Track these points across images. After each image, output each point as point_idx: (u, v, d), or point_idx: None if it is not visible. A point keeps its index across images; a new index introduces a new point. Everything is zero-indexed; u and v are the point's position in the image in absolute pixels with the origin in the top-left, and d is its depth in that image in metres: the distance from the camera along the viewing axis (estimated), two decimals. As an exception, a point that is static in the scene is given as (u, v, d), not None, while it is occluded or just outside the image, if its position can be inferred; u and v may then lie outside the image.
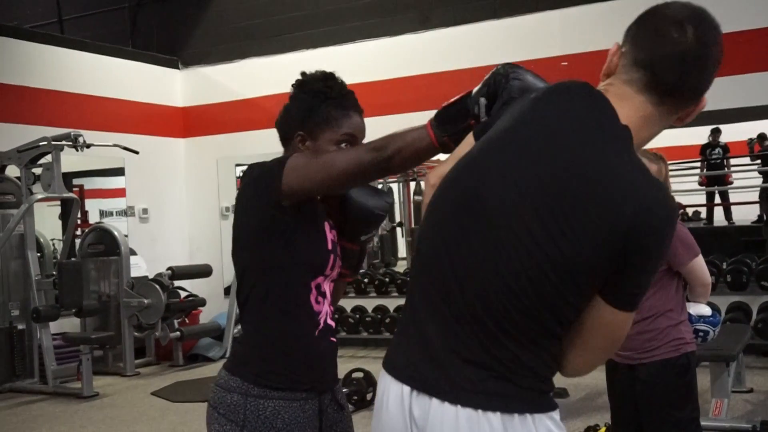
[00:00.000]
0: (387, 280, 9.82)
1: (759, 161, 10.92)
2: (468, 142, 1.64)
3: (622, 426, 3.63)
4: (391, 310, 9.11)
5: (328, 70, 2.16)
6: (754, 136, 10.62)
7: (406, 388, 1.55)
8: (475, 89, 1.72)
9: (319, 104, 2.09)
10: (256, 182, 1.99)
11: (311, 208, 2.00)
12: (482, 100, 1.68)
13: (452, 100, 1.76)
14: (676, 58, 1.52)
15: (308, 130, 2.09)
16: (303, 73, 2.17)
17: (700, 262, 3.36)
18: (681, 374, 3.39)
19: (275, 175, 1.90)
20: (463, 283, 1.50)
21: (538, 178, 1.45)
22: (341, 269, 2.16)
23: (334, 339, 2.14)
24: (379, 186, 11.57)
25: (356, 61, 9.46)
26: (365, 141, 2.08)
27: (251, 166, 2.05)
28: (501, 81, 1.67)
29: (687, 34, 1.51)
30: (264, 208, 1.97)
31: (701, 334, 3.44)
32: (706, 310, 3.45)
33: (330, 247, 2.04)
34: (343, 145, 2.07)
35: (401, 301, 9.03)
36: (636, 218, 1.40)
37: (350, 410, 2.33)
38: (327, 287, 2.10)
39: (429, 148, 1.80)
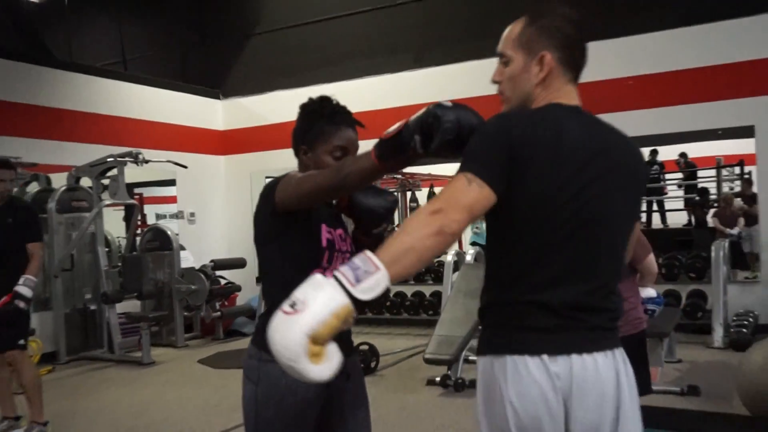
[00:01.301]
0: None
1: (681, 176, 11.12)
2: None
3: None
4: (427, 294, 9.09)
5: (340, 100, 2.17)
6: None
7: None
8: (411, 121, 1.63)
9: (314, 122, 2.11)
10: (262, 197, 2.03)
11: (305, 215, 2.00)
12: (417, 137, 1.62)
13: (390, 133, 1.65)
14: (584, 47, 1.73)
15: (308, 144, 2.11)
16: (309, 99, 2.18)
17: (652, 257, 3.45)
18: (640, 346, 3.47)
19: (271, 192, 1.96)
20: None
21: None
22: None
23: None
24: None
25: (364, 93, 9.47)
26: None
27: (265, 184, 2.09)
28: (434, 123, 1.58)
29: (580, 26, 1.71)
30: (265, 216, 2.02)
31: (650, 311, 3.56)
32: (653, 293, 3.56)
33: (324, 244, 2.02)
34: (337, 154, 2.05)
35: (435, 288, 9.08)
36: None
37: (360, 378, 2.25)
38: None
39: (375, 172, 1.77)
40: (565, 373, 1.54)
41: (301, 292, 1.39)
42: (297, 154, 2.17)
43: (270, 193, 1.97)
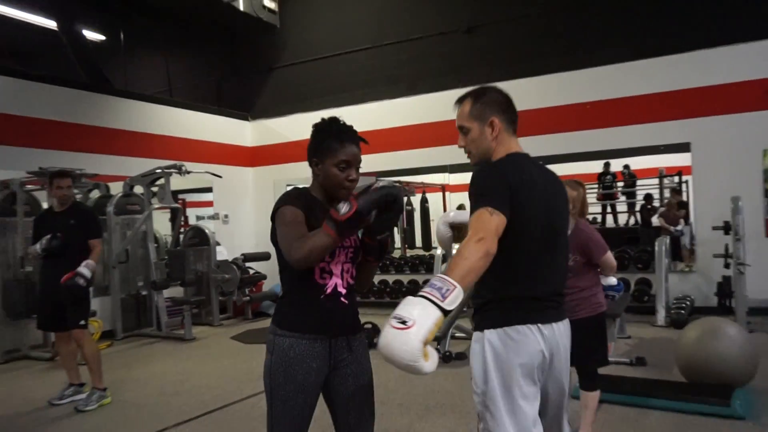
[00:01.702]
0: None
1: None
2: None
3: None
4: (420, 282, 8.95)
5: (347, 121, 2.19)
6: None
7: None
8: (366, 201, 1.85)
9: (324, 138, 2.11)
10: (271, 218, 2.11)
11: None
12: (374, 212, 1.90)
13: (347, 214, 1.84)
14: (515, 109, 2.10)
15: (318, 157, 2.12)
16: (321, 119, 2.19)
17: (609, 255, 3.44)
18: (599, 326, 3.47)
19: (273, 218, 2.08)
20: None
21: None
22: (367, 257, 2.16)
23: (345, 301, 2.12)
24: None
25: (367, 116, 9.50)
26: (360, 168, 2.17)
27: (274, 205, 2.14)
28: (391, 201, 1.89)
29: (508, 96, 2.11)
30: (273, 232, 2.10)
31: (611, 297, 3.59)
32: (614, 281, 3.58)
33: None
34: (342, 166, 2.08)
35: (427, 276, 9.13)
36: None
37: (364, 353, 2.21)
38: (336, 269, 2.10)
39: (334, 245, 1.93)
40: (550, 335, 1.96)
41: (405, 311, 1.63)
42: (310, 164, 2.17)
43: (274, 210, 2.09)
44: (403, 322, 1.61)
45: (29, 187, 7.12)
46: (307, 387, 2.05)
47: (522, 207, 1.87)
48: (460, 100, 2.16)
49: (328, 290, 2.08)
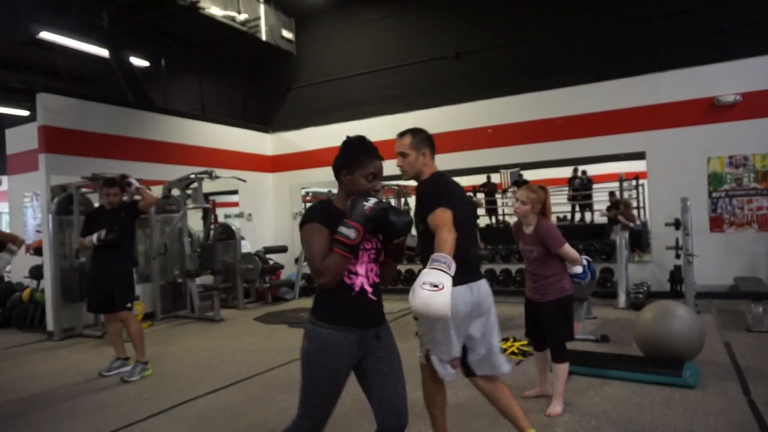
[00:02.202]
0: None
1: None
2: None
3: (532, 336, 3.68)
4: (415, 271, 9.05)
5: (353, 134, 2.19)
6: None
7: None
8: (366, 225, 1.97)
9: (355, 153, 2.10)
10: (301, 222, 2.12)
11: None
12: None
13: (359, 240, 1.97)
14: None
15: (348, 169, 2.10)
16: (347, 136, 2.17)
17: (567, 247, 3.40)
18: (564, 307, 3.45)
19: (303, 222, 2.10)
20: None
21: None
22: (386, 258, 2.18)
23: (373, 297, 2.11)
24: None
25: (369, 129, 9.40)
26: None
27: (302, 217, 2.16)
28: (383, 216, 2.01)
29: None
30: (301, 233, 2.10)
31: (578, 283, 3.53)
32: (579, 270, 3.51)
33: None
34: (370, 178, 2.09)
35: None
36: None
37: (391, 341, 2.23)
38: (360, 269, 2.08)
39: (345, 262, 2.00)
40: (477, 289, 2.58)
41: (434, 278, 2.00)
42: (338, 175, 2.14)
43: (301, 227, 2.10)
44: (436, 286, 1.97)
45: (84, 190, 7.09)
46: (339, 373, 2.06)
47: (454, 205, 2.41)
48: (402, 135, 2.72)
49: (356, 289, 2.07)
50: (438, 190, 2.51)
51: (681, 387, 3.71)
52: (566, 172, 10.62)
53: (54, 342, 6.42)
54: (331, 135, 9.73)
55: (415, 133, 2.70)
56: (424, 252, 2.52)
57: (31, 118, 8.12)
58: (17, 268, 8.85)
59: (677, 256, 6.76)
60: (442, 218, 2.31)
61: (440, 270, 2.00)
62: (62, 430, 3.54)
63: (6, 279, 9.10)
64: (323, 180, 10.23)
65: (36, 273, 7.36)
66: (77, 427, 3.59)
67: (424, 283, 1.97)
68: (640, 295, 6.77)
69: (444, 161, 8.98)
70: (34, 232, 8.42)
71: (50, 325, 6.67)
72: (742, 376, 3.95)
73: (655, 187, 7.59)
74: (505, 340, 5.22)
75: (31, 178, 8.05)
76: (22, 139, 8.75)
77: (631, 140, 7.64)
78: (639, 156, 7.69)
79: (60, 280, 6.71)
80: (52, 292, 6.65)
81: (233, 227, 8.66)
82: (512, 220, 11.48)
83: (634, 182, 9.00)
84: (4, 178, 10.70)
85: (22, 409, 4.03)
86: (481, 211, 11.70)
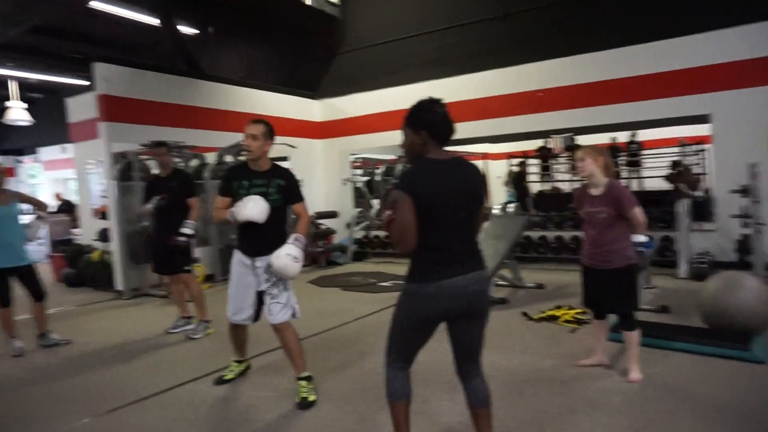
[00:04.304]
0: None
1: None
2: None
3: (591, 304, 3.61)
4: None
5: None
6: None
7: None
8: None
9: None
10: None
11: None
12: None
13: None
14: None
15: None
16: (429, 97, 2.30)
17: (639, 209, 3.29)
18: (628, 275, 3.36)
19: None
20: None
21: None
22: None
23: None
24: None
25: (417, 95, 9.28)
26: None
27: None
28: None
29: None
30: None
31: (641, 252, 3.43)
32: (643, 239, 3.43)
33: None
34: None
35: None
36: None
37: None
38: None
39: None
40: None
41: (295, 252, 3.13)
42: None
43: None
44: (296, 259, 3.10)
45: (142, 157, 7.31)
46: (423, 324, 2.18)
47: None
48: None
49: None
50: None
51: (749, 362, 3.55)
52: (609, 138, 10.21)
53: (123, 300, 6.78)
54: (378, 101, 9.63)
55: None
56: None
57: (89, 88, 8.37)
58: (86, 231, 9.32)
59: (744, 225, 6.42)
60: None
61: (297, 246, 3.14)
62: (136, 383, 3.75)
63: (75, 241, 9.60)
64: (372, 146, 10.19)
65: (103, 236, 7.72)
66: (149, 380, 3.79)
67: (287, 254, 3.07)
68: (704, 265, 6.50)
69: (491, 126, 8.89)
70: (99, 197, 8.80)
71: (119, 284, 7.03)
72: (816, 350, 3.76)
73: (721, 152, 7.17)
74: (560, 307, 5.15)
75: (93, 145, 8.35)
76: (82, 108, 9.05)
77: (694, 102, 7.20)
78: (702, 119, 7.27)
79: (126, 243, 7.02)
80: (119, 255, 6.97)
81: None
82: (564, 186, 11.18)
83: (696, 147, 8.56)
84: (68, 146, 11.18)
85: (100, 361, 4.30)
86: (535, 177, 11.46)
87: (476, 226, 2.22)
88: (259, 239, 3.25)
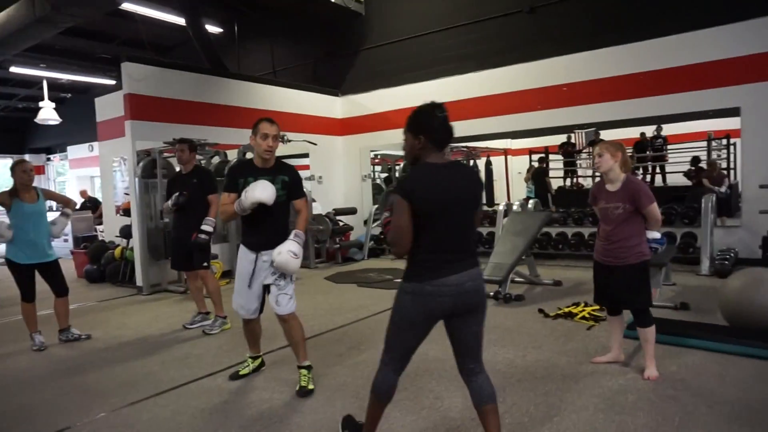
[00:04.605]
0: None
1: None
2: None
3: (604, 301, 3.55)
4: (484, 234, 8.76)
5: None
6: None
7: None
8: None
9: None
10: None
11: None
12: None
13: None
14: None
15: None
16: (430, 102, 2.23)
17: (655, 206, 3.25)
18: (642, 272, 3.31)
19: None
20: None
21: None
22: None
23: None
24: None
25: (440, 90, 9.27)
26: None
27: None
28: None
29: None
30: None
31: (654, 249, 3.34)
32: (657, 235, 3.34)
33: None
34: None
35: (490, 229, 8.96)
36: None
37: None
38: None
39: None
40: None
41: (296, 249, 3.23)
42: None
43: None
44: (296, 255, 3.21)
45: (166, 154, 7.44)
46: (421, 320, 2.18)
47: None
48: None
49: None
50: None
51: (771, 360, 3.45)
52: (635, 133, 9.98)
53: (143, 296, 6.91)
54: (400, 96, 9.61)
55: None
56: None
57: (117, 87, 8.55)
58: (109, 227, 9.53)
59: (772, 221, 6.22)
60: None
61: (298, 242, 3.25)
62: (154, 377, 3.82)
63: (99, 238, 9.83)
64: (393, 142, 10.19)
65: (125, 232, 7.89)
66: (167, 374, 3.86)
67: (289, 250, 3.18)
68: (726, 262, 6.32)
69: (515, 121, 8.79)
70: (122, 194, 9.00)
71: (139, 280, 7.17)
72: (844, 350, 3.62)
73: (750, 146, 6.96)
74: (576, 304, 5.08)
75: (118, 143, 8.54)
76: (109, 107, 9.26)
77: (723, 95, 7.02)
78: (732, 112, 7.06)
79: (147, 239, 7.16)
80: (140, 251, 7.11)
81: (305, 189, 8.82)
82: (586, 182, 11.00)
83: (724, 141, 8.33)
84: (96, 144, 11.44)
85: (119, 355, 4.39)
86: (558, 173, 11.31)
87: (472, 227, 2.25)
88: (264, 234, 3.31)
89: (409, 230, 2.08)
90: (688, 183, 8.89)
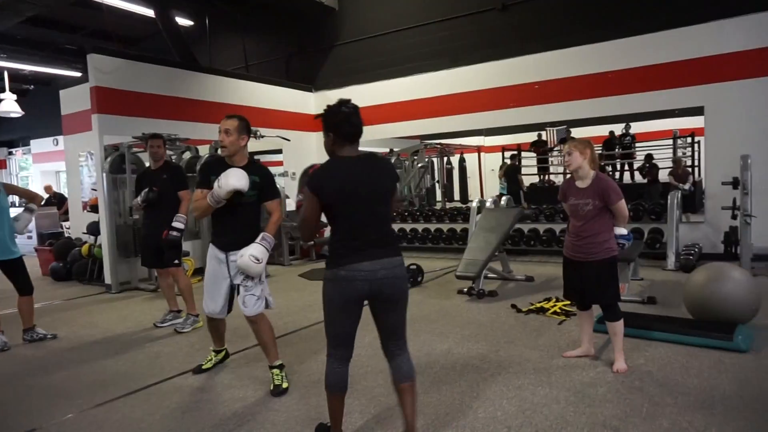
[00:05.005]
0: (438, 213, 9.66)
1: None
2: None
3: (574, 296, 3.63)
4: (458, 230, 8.84)
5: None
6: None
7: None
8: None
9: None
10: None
11: None
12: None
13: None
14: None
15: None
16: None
17: (623, 202, 3.34)
18: (610, 267, 3.39)
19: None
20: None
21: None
22: None
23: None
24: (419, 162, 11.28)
25: (414, 87, 9.30)
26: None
27: None
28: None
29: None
30: None
31: (621, 245, 3.43)
32: (624, 232, 3.44)
33: None
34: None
35: (464, 225, 9.01)
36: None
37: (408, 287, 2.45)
38: None
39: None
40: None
41: (259, 253, 3.16)
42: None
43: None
44: (258, 260, 3.14)
45: (135, 149, 7.28)
46: (348, 305, 2.32)
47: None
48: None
49: None
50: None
51: (732, 351, 3.58)
52: (604, 131, 10.19)
53: (112, 294, 6.77)
54: (374, 93, 9.60)
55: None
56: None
57: (83, 80, 8.33)
58: (75, 224, 9.30)
59: (734, 217, 6.44)
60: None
61: (266, 248, 3.19)
62: (123, 377, 3.75)
63: (66, 235, 9.58)
64: (367, 139, 10.17)
65: (93, 229, 7.70)
66: (137, 374, 3.79)
67: (251, 255, 3.12)
68: (691, 257, 6.52)
69: (488, 118, 8.87)
70: (89, 190, 8.77)
71: (108, 278, 7.02)
72: (800, 341, 3.78)
73: (713, 144, 7.19)
74: (548, 300, 5.17)
75: (85, 137, 8.32)
76: (75, 100, 9.01)
77: (688, 94, 7.23)
78: (696, 111, 7.28)
79: (115, 236, 7.01)
80: (109, 248, 6.95)
81: (278, 186, 8.75)
82: (558, 179, 11.18)
83: (689, 139, 8.57)
84: (61, 138, 11.13)
85: (87, 355, 4.29)
86: (531, 170, 11.47)
87: (387, 216, 2.36)
88: (233, 234, 3.28)
89: (313, 221, 2.30)
90: (660, 180, 9.12)
